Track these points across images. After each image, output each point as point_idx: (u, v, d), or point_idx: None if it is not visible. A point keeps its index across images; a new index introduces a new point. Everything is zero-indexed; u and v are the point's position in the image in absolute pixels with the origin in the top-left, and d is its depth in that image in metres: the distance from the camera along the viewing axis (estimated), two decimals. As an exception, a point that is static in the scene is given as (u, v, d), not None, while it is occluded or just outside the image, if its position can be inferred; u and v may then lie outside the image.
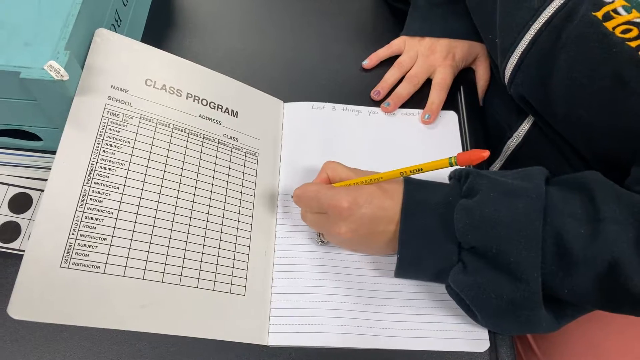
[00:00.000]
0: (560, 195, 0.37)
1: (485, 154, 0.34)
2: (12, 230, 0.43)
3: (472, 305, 0.38)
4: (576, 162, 0.47)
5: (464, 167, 0.41)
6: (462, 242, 0.37)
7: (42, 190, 0.44)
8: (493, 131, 0.54)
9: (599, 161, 0.44)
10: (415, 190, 0.40)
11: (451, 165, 0.36)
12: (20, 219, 0.44)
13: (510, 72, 0.44)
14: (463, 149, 0.51)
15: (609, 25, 0.36)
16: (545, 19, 0.39)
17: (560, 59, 0.39)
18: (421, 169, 0.38)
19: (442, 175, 0.43)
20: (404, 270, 0.41)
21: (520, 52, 0.42)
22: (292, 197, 0.43)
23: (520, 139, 0.51)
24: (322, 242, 0.44)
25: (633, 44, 0.35)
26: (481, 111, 0.55)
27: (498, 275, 0.36)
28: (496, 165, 0.55)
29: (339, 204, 0.39)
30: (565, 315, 0.38)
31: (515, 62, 0.43)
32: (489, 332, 0.42)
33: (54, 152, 0.37)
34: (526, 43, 0.41)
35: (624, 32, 0.35)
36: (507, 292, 0.36)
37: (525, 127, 0.50)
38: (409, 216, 0.39)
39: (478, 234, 0.36)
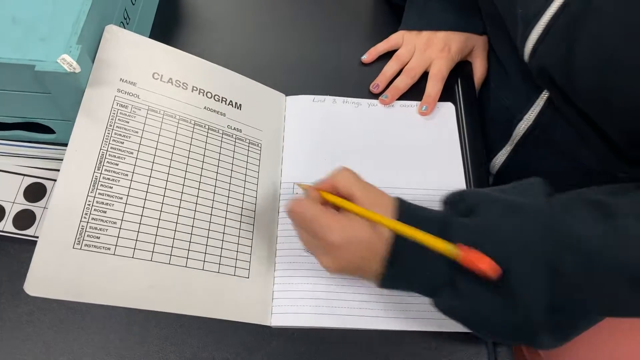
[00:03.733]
0: (563, 202, 0.35)
1: (493, 274, 0.31)
2: (27, 218, 0.45)
3: (465, 326, 0.37)
4: (596, 142, 0.44)
5: (460, 189, 0.39)
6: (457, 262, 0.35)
7: (56, 180, 0.46)
8: (500, 117, 0.53)
9: (626, 137, 0.41)
10: (409, 211, 0.38)
11: (450, 255, 0.33)
12: (35, 207, 0.46)
13: (534, 43, 0.42)
14: (460, 140, 0.53)
15: None
16: None
17: (591, 24, 0.37)
18: (420, 241, 0.35)
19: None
20: (389, 286, 0.39)
21: (547, 20, 0.40)
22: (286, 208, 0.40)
23: (530, 122, 0.49)
24: (307, 251, 0.44)
25: None
26: (479, 102, 0.56)
27: (493, 299, 0.34)
28: (507, 149, 0.54)
29: (331, 239, 0.36)
30: (566, 333, 0.36)
31: (540, 30, 0.41)
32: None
33: (66, 145, 0.39)
34: (554, 10, 0.39)
35: None
36: (503, 316, 0.34)
37: (536, 109, 0.49)
38: (399, 238, 0.36)
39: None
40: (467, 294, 0.35)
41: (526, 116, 0.50)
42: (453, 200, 0.38)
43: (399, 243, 0.36)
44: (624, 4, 0.35)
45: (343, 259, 0.37)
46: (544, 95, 0.48)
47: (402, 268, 0.37)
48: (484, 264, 0.31)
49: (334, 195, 0.40)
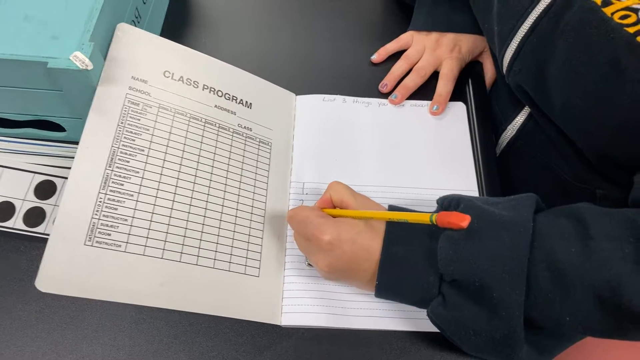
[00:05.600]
0: (546, 220, 0.35)
1: (465, 223, 0.32)
2: (37, 215, 0.45)
3: (452, 338, 0.38)
4: (572, 157, 0.46)
5: (454, 194, 0.40)
6: (444, 274, 0.36)
7: (66, 178, 0.46)
8: (494, 122, 0.54)
9: (596, 156, 0.43)
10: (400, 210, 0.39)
11: (432, 222, 0.34)
12: (45, 204, 0.46)
13: (508, 61, 0.44)
14: (471, 140, 0.52)
15: (608, 10, 0.35)
16: (545, 5, 0.39)
17: (559, 46, 0.39)
18: (406, 220, 0.37)
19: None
20: (383, 295, 0.39)
21: (518, 40, 0.42)
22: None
23: (514, 132, 0.51)
24: (309, 265, 0.44)
25: (631, 29, 0.34)
26: (489, 103, 0.56)
27: (478, 311, 0.35)
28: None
29: (322, 236, 0.38)
30: (546, 352, 0.37)
31: (513, 50, 0.43)
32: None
33: (76, 143, 0.39)
34: (525, 30, 0.41)
35: (623, 17, 0.35)
36: (487, 330, 0.35)
37: (519, 119, 0.50)
38: (391, 244, 0.38)
39: (461, 265, 0.35)
40: (454, 305, 0.36)
41: (510, 126, 0.51)
42: (448, 207, 0.39)
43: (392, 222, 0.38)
44: (588, 29, 0.36)
45: (333, 255, 0.38)
46: (527, 108, 0.49)
47: (395, 249, 0.38)
48: (453, 217, 0.32)
49: (330, 209, 0.42)
